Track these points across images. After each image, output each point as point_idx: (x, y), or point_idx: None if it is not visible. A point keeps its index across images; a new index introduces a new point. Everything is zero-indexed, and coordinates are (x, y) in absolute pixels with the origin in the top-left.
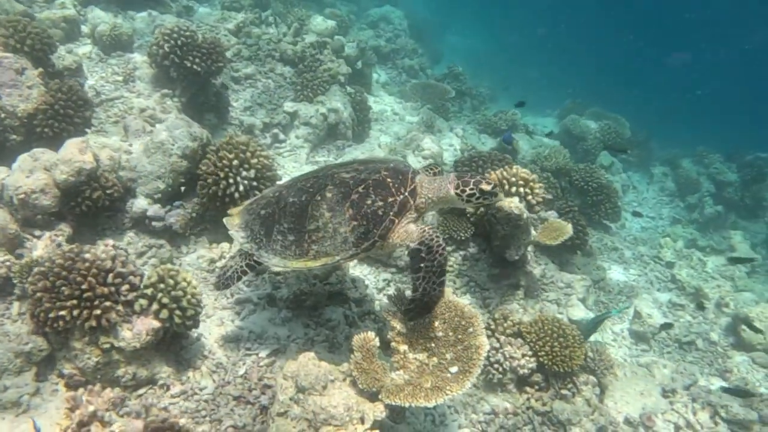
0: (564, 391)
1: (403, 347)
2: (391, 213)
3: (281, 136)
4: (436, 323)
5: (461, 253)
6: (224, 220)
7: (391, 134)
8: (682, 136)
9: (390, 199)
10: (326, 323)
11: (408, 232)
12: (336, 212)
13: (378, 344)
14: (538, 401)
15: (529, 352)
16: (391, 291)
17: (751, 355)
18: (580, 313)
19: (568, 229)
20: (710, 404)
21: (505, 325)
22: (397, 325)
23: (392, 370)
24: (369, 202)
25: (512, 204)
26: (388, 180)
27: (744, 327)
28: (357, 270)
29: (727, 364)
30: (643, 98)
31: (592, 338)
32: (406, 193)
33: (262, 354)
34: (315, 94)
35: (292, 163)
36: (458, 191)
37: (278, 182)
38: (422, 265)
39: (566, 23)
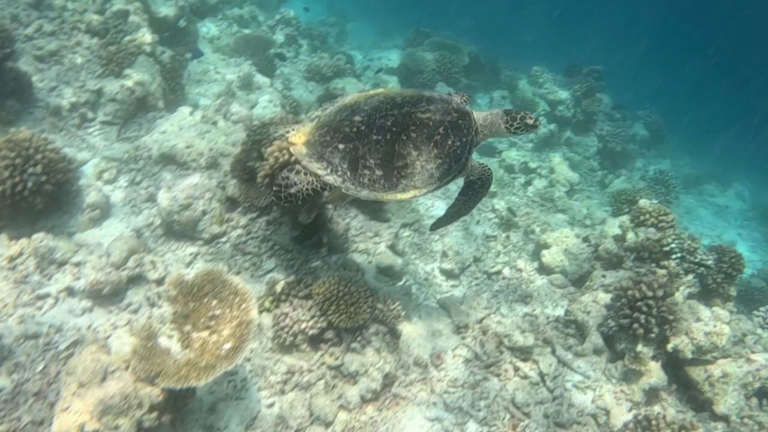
0: (354, 344)
1: (187, 327)
2: (466, 151)
3: (90, 115)
4: (215, 302)
5: (265, 218)
6: (291, 149)
7: (211, 96)
8: (530, 54)
9: (464, 139)
10: (127, 308)
11: (473, 167)
12: (422, 151)
13: (156, 329)
14: (331, 356)
15: (318, 312)
16: (199, 265)
17: (550, 278)
18: (389, 260)
19: None
20: (496, 335)
21: (297, 288)
22: (177, 308)
23: (179, 351)
24: (449, 142)
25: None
26: (460, 121)
27: (543, 253)
28: (163, 246)
29: (530, 288)
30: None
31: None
32: (473, 133)
33: (62, 347)
34: (121, 67)
35: (103, 141)
36: (507, 125)
37: (336, 105)
38: (472, 192)
39: None
